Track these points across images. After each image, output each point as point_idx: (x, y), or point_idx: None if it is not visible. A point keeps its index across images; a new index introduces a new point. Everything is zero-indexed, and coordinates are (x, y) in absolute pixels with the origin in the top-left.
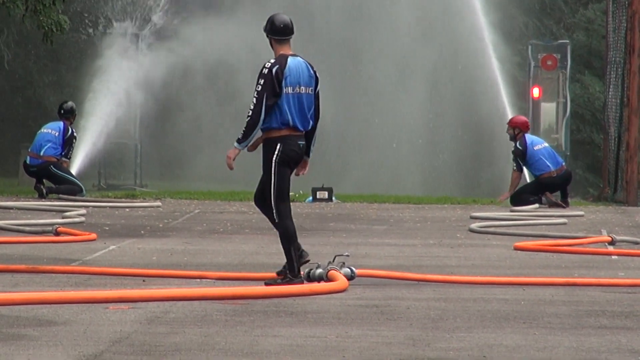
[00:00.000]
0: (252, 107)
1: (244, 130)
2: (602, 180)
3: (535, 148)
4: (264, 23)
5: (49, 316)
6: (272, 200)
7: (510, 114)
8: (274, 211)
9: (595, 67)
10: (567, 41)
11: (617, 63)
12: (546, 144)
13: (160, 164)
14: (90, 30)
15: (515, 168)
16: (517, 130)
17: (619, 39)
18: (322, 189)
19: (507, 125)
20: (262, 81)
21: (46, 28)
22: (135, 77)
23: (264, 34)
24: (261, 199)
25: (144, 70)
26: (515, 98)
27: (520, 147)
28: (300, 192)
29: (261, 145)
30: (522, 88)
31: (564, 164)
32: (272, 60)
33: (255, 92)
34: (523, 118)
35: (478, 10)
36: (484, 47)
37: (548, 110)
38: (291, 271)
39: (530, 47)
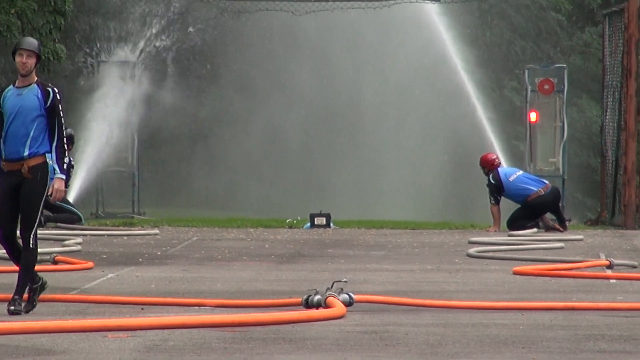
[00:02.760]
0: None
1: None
2: (600, 204)
3: (511, 179)
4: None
5: (47, 345)
6: (36, 227)
7: (502, 141)
8: (34, 236)
9: (593, 90)
10: (564, 65)
11: (614, 87)
12: (520, 172)
13: (157, 191)
14: (87, 60)
15: (492, 202)
16: (485, 168)
17: (615, 63)
18: (320, 215)
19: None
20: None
21: (43, 57)
22: (131, 104)
23: None
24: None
25: (139, 97)
26: (513, 123)
27: (493, 182)
28: (299, 218)
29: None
30: (519, 112)
31: (547, 182)
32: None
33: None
34: (487, 156)
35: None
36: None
37: (545, 134)
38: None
39: (527, 71)
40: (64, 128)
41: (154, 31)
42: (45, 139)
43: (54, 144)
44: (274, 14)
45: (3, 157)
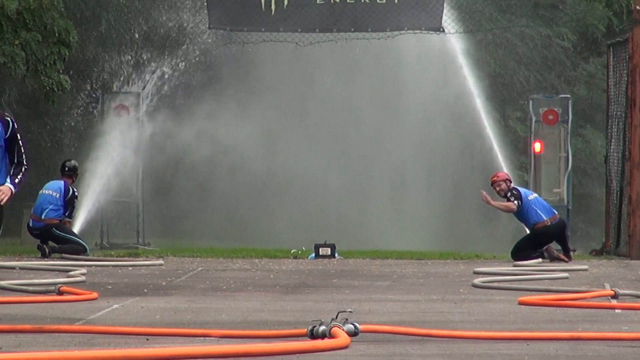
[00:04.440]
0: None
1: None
2: (605, 234)
3: (529, 198)
4: None
5: None
6: None
7: (506, 169)
8: None
9: (597, 121)
10: (568, 95)
11: (619, 117)
12: (535, 195)
13: (162, 222)
14: (91, 90)
15: (514, 204)
16: (507, 182)
17: (619, 93)
18: (325, 245)
19: (494, 185)
20: None
21: (47, 88)
22: (136, 135)
23: None
24: None
25: (144, 128)
26: (517, 153)
27: (515, 192)
28: (303, 248)
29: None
30: (523, 143)
31: (556, 213)
32: None
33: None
34: (503, 175)
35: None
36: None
37: (550, 164)
38: None
39: (531, 101)
40: (23, 153)
41: (159, 62)
42: (4, 169)
43: (12, 169)
44: (279, 44)
45: None
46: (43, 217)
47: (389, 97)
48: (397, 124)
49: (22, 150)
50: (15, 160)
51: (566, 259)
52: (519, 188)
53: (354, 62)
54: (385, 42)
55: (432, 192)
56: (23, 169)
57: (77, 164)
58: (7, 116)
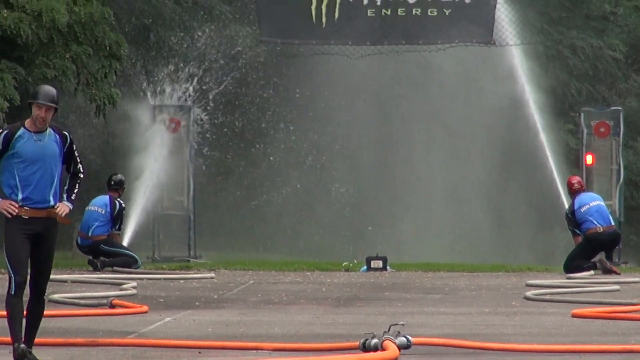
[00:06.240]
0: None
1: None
2: None
3: (583, 210)
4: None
5: None
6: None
7: (561, 180)
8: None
9: None
10: (620, 108)
11: None
12: (595, 203)
13: (213, 234)
14: (142, 103)
15: (572, 235)
16: (570, 193)
17: None
18: (377, 258)
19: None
20: None
21: (98, 101)
22: (186, 147)
23: None
24: None
25: (195, 140)
26: (568, 165)
27: (568, 213)
28: (355, 261)
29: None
30: (575, 155)
31: (613, 224)
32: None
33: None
34: (569, 180)
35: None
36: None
37: (601, 176)
38: None
39: (582, 114)
40: (79, 162)
41: (210, 75)
42: (60, 185)
43: (68, 181)
44: (330, 57)
45: (21, 204)
46: (90, 234)
47: (440, 112)
48: (449, 139)
49: (78, 160)
50: (72, 170)
51: (618, 272)
52: (577, 200)
53: (405, 75)
54: (436, 54)
55: (484, 204)
56: (79, 181)
57: (123, 178)
58: (64, 130)
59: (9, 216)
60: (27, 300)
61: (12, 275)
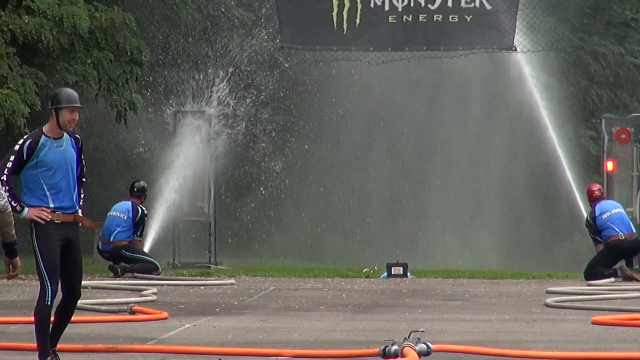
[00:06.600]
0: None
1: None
2: None
3: (604, 217)
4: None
5: None
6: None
7: (578, 188)
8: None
9: None
10: None
11: None
12: (617, 210)
13: (234, 241)
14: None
15: (593, 242)
16: (590, 200)
17: None
18: (397, 264)
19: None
20: None
21: (119, 107)
22: (207, 154)
23: None
24: None
25: (216, 147)
26: (589, 171)
27: (589, 220)
28: (375, 267)
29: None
30: (595, 161)
31: (634, 231)
32: None
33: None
34: (589, 187)
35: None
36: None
37: (622, 183)
38: None
39: (603, 120)
40: (84, 166)
41: (231, 82)
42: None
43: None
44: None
45: (54, 210)
46: (112, 239)
47: (459, 119)
48: (470, 146)
49: (84, 163)
50: (78, 174)
51: (638, 279)
52: (597, 207)
53: (431, 83)
54: (457, 60)
55: (504, 211)
56: (84, 186)
57: (145, 185)
58: (77, 133)
59: (42, 222)
60: (58, 302)
61: (49, 285)
